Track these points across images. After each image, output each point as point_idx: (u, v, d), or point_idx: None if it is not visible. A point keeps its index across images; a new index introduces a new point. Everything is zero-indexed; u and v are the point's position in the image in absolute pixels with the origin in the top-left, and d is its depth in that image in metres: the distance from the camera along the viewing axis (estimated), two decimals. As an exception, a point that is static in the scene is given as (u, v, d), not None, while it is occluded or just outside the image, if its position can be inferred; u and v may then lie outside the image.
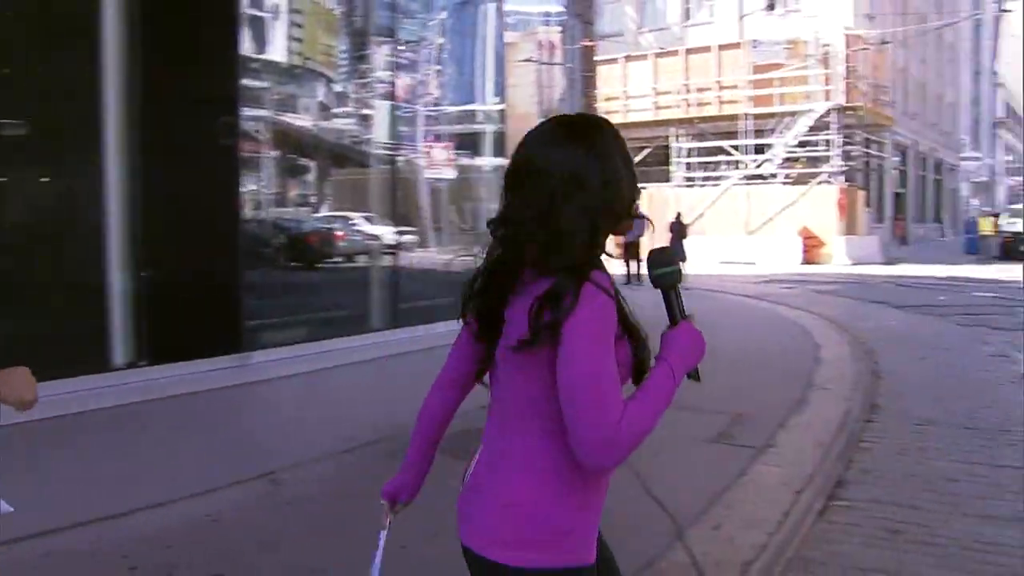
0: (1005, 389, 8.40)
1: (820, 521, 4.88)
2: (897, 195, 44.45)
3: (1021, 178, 78.75)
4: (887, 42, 37.21)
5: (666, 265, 2.04)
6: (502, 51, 7.96)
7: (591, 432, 1.72)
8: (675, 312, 2.01)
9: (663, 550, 4.35)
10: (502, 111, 8.04)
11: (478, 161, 8.01)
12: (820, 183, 31.85)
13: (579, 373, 1.74)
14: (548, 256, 1.81)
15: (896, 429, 6.93)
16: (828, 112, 32.15)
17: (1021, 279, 19.02)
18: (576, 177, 1.83)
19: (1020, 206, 40.57)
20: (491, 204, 8.14)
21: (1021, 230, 33.34)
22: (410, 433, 2.18)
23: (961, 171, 56.16)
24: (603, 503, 1.96)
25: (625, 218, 1.92)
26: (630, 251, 20.33)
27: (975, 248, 33.26)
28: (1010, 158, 78.73)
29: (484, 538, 1.88)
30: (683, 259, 19.57)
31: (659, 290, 2.06)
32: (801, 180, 32.41)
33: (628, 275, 20.06)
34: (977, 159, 56.10)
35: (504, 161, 8.06)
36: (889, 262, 30.21)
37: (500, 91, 7.97)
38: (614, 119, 24.51)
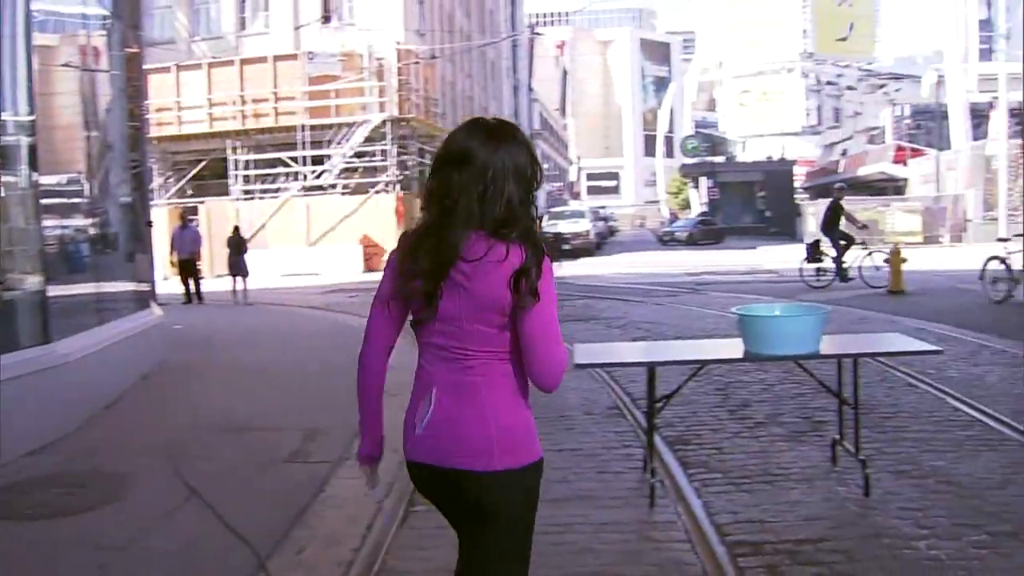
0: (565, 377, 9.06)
1: (404, 529, 4.90)
2: (450, 202, 46.94)
3: (560, 184, 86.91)
4: (436, 57, 39.17)
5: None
6: (30, 54, 7.13)
7: (558, 361, 2.44)
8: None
9: (245, 584, 4.12)
10: (32, 122, 7.21)
11: (6, 177, 7.12)
12: (378, 192, 32.78)
13: (549, 320, 2.39)
14: (501, 227, 2.36)
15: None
16: (383, 123, 33.16)
17: (560, 276, 20.85)
18: (519, 168, 2.42)
19: (560, 209, 44.66)
20: (21, 223, 7.28)
21: (562, 231, 36.67)
22: (363, 406, 2.63)
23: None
24: None
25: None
26: (186, 268, 19.51)
27: (521, 249, 35.96)
28: (547, 166, 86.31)
29: (483, 457, 2.39)
30: (245, 274, 19.10)
31: None
32: (360, 190, 33.12)
33: (187, 293, 19.22)
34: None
35: (37, 176, 7.27)
36: (447, 266, 31.79)
37: (29, 99, 7.14)
38: (167, 131, 23.29)
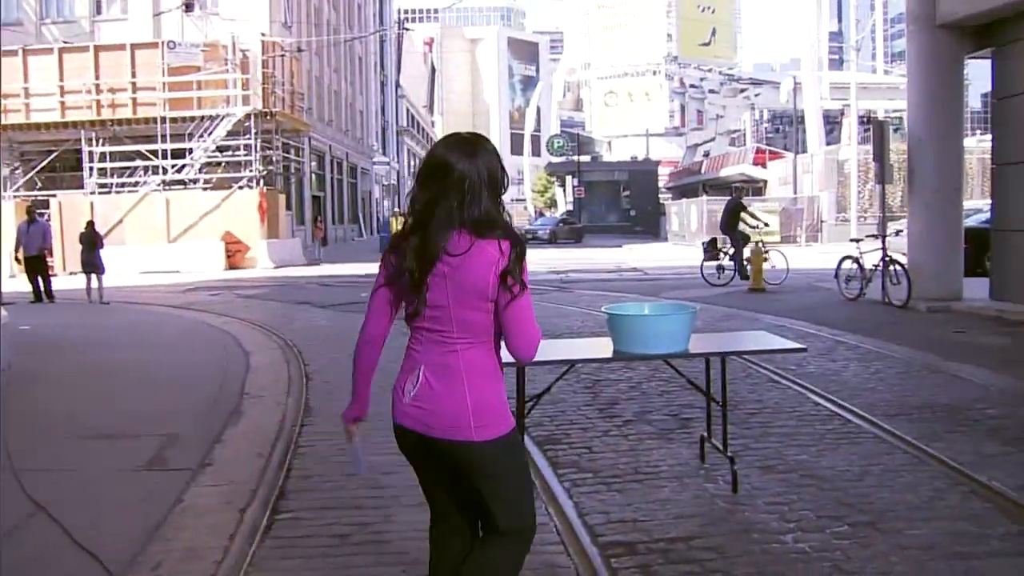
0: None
1: (267, 539, 4.69)
2: (316, 198, 46.21)
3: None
4: (302, 50, 38.42)
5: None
6: None
7: (535, 337, 2.83)
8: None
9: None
10: None
11: None
12: (241, 188, 31.91)
13: (527, 304, 2.78)
14: (482, 226, 2.73)
15: (331, 430, 6.95)
16: (247, 117, 32.26)
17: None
18: (491, 174, 2.81)
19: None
20: None
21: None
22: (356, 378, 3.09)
23: (373, 174, 59.98)
24: None
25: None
26: (34, 266, 18.55)
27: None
28: (414, 163, 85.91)
29: (462, 431, 2.78)
30: (100, 271, 18.26)
31: None
32: (222, 185, 32.19)
33: (36, 292, 18.28)
34: (386, 163, 60.27)
35: None
36: (312, 263, 31.26)
37: None
38: (14, 119, 22.00)
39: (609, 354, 4.91)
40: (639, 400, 7.57)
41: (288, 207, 37.76)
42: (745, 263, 18.21)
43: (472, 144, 2.86)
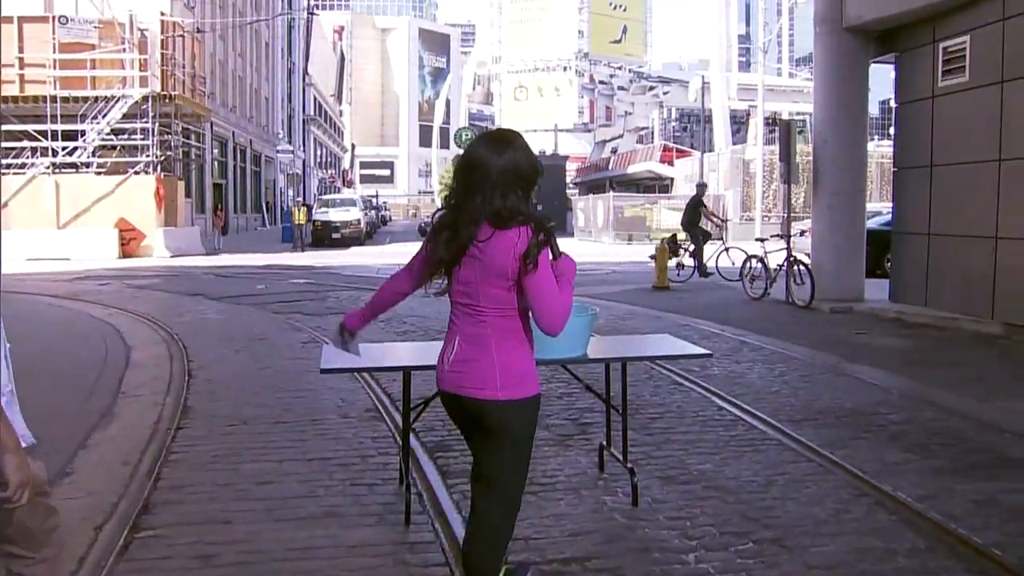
0: (315, 376, 8.38)
1: (122, 562, 4.21)
2: (217, 186, 44.93)
3: (332, 171, 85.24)
4: (201, 31, 37.15)
5: (550, 222, 3.10)
6: None
7: (556, 310, 3.03)
8: (556, 251, 3.10)
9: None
10: None
11: None
12: (137, 173, 30.71)
13: (541, 282, 3.00)
14: (506, 216, 3.00)
15: (209, 434, 6.47)
16: (144, 99, 31.01)
17: (328, 265, 20.11)
18: (518, 169, 3.06)
19: (330, 197, 43.66)
20: None
21: (332, 220, 35.73)
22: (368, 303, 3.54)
23: (278, 163, 58.69)
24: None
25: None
26: None
27: (291, 236, 34.80)
28: (320, 152, 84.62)
29: (488, 389, 3.07)
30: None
31: (548, 237, 3.06)
32: (117, 170, 30.91)
33: None
34: (290, 152, 59.02)
35: None
36: (210, 253, 30.29)
37: None
38: None
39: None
40: (537, 403, 7.24)
41: (187, 194, 36.57)
42: (704, 259, 18.06)
43: (500, 141, 3.13)
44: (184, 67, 34.16)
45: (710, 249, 18.82)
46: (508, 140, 3.14)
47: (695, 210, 18.77)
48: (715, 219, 19.08)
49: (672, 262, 18.39)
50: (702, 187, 20.03)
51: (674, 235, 19.72)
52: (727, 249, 18.49)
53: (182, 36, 33.90)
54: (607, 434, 5.34)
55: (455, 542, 4.35)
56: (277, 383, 8.27)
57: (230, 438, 6.33)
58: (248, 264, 24.66)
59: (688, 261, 18.53)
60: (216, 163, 45.07)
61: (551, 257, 3.07)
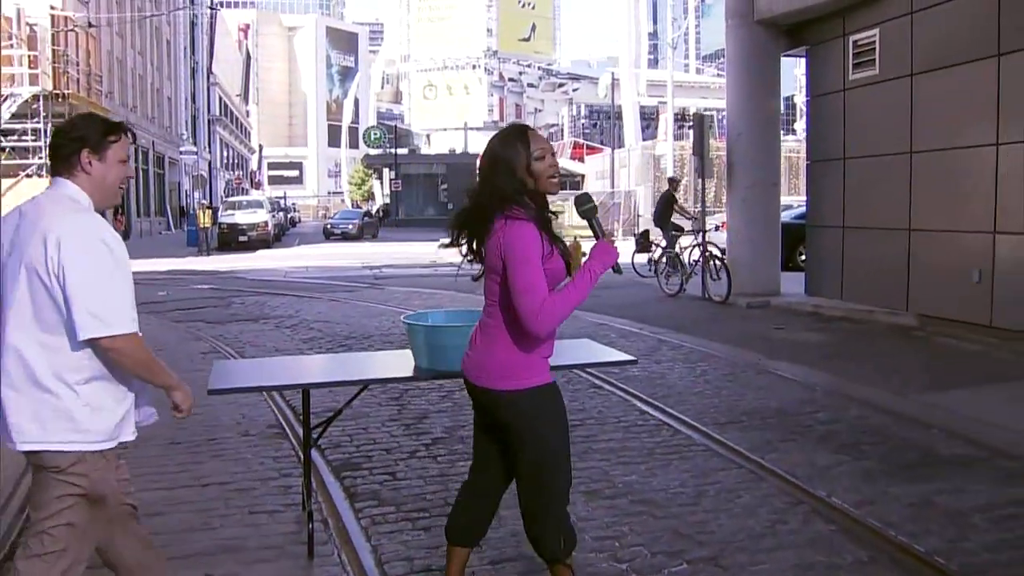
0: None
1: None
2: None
3: (239, 173, 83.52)
4: (93, 25, 35.66)
5: (588, 203, 3.31)
6: None
7: (528, 313, 3.02)
8: (597, 233, 3.24)
9: None
10: None
11: None
12: (29, 176, 29.31)
13: (512, 281, 3.05)
14: (493, 206, 3.12)
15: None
16: (35, 98, 29.64)
17: (234, 269, 19.38)
18: (507, 160, 3.15)
19: (237, 199, 42.56)
20: None
21: (239, 222, 34.78)
22: None
23: (182, 165, 57.07)
24: (551, 350, 3.26)
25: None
26: None
27: (196, 240, 33.73)
28: (227, 154, 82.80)
29: (487, 378, 3.16)
30: None
31: (584, 219, 3.28)
32: (7, 172, 29.42)
33: None
34: (194, 153, 57.46)
35: None
36: (111, 258, 29.07)
37: None
38: None
39: (409, 372, 4.14)
40: (450, 413, 6.82)
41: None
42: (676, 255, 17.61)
43: (496, 135, 3.24)
44: (78, 65, 32.79)
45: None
46: (499, 132, 3.26)
47: (668, 205, 18.20)
48: (687, 214, 18.28)
49: (642, 258, 17.93)
50: (673, 181, 19.23)
51: (646, 231, 19.28)
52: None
53: (75, 32, 32.52)
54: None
55: (363, 573, 3.94)
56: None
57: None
58: (150, 270, 23.67)
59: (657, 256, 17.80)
60: (116, 165, 43.48)
61: (564, 250, 3.20)
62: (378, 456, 5.74)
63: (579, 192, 3.22)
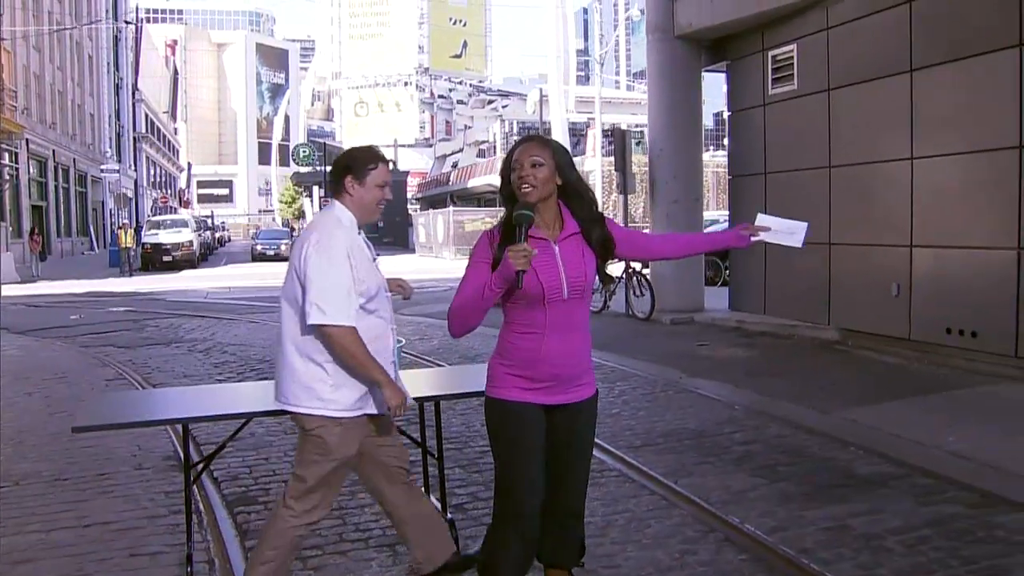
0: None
1: None
2: (36, 208, 42.23)
3: (166, 192, 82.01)
4: (3, 38, 34.57)
5: (524, 208, 3.07)
6: None
7: (449, 315, 3.21)
8: (516, 239, 3.02)
9: None
10: None
11: None
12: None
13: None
14: None
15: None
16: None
17: (154, 290, 18.83)
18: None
19: (160, 218, 41.63)
20: None
21: (162, 241, 34.04)
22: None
23: (105, 183, 55.77)
24: (533, 363, 3.24)
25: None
26: None
27: (118, 261, 32.90)
28: (153, 172, 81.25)
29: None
30: None
31: (514, 224, 3.05)
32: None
33: None
34: (116, 171, 56.15)
35: None
36: (26, 280, 28.15)
37: None
38: None
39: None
40: (359, 440, 6.56)
41: (1, 218, 34.10)
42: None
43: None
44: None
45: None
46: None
47: None
48: None
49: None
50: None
51: None
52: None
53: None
54: (425, 481, 4.74)
55: (245, 622, 3.67)
56: (68, 431, 7.28)
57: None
58: (66, 292, 22.98)
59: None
60: (34, 183, 42.33)
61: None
62: (277, 489, 5.44)
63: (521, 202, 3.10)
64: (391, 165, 3.73)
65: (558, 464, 3.29)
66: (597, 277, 3.35)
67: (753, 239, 3.53)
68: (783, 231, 3.54)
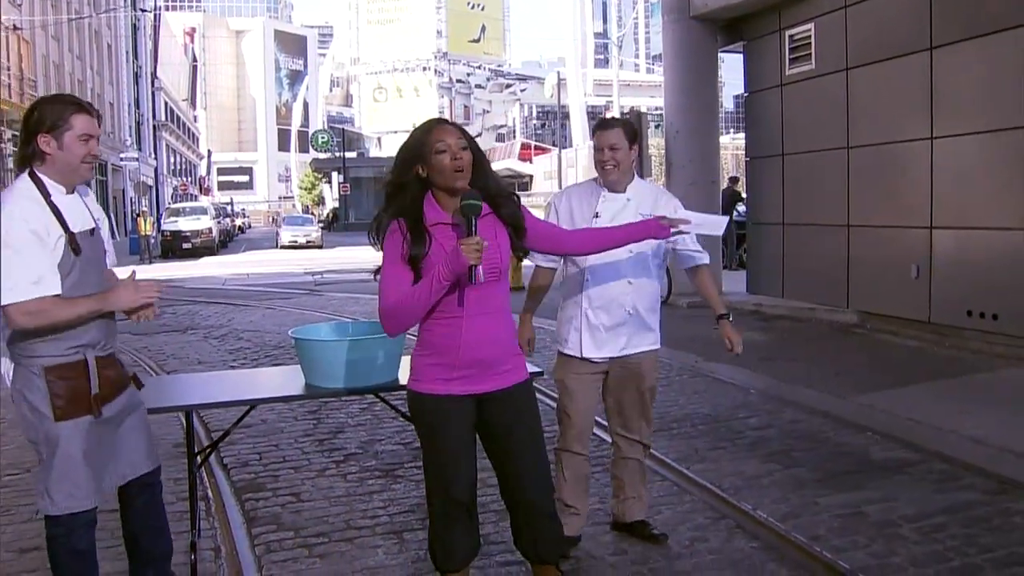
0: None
1: None
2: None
3: (187, 179, 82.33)
4: (19, 28, 34.71)
5: (469, 199, 2.92)
6: None
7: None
8: (469, 232, 2.87)
9: None
10: None
11: None
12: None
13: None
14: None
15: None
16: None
17: (173, 277, 18.88)
18: None
19: (180, 205, 41.80)
20: None
21: (182, 229, 34.16)
22: None
23: (125, 172, 56.03)
24: (451, 349, 3.04)
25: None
26: None
27: (138, 248, 33.05)
28: (174, 160, 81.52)
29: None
30: None
31: (463, 216, 2.90)
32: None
33: None
34: (136, 159, 56.42)
35: None
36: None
37: None
38: None
39: (299, 390, 3.85)
40: (368, 427, 6.51)
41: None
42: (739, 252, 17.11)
43: None
44: (9, 69, 31.94)
45: None
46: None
47: (731, 203, 17.65)
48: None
49: None
50: (735, 179, 18.66)
51: None
52: None
53: (5, 35, 31.67)
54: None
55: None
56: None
57: (4, 491, 5.41)
58: (86, 279, 23.06)
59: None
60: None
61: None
62: (286, 475, 5.42)
63: (472, 190, 2.95)
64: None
65: (501, 455, 3.17)
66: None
67: (672, 230, 3.56)
68: (706, 224, 3.70)
